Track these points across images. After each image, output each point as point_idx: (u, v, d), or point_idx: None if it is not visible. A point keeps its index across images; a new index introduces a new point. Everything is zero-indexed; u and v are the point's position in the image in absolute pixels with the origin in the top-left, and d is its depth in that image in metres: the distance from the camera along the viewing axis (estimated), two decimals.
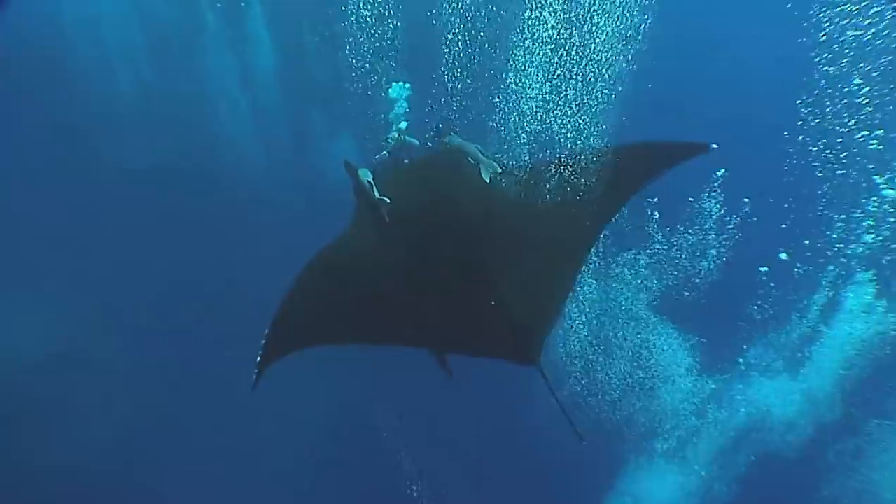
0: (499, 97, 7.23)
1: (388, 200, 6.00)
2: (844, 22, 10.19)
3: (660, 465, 11.17)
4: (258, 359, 5.43)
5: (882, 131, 10.53)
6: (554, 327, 5.90)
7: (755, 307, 12.11)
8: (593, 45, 7.04)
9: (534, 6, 7.05)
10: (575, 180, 5.98)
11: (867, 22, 9.91)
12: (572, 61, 7.12)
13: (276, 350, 5.43)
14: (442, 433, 12.00)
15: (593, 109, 7.04)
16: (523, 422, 10.47)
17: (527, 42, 7.10)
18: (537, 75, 7.15)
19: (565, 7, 7.08)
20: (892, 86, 10.13)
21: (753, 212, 11.29)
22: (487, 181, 6.08)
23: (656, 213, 10.86)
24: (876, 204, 10.88)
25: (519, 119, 7.07)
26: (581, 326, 10.36)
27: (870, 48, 10.22)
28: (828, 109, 11.21)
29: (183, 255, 12.93)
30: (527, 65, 7.14)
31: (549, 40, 7.13)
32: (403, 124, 7.14)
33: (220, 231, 13.33)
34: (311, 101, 14.62)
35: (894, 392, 11.60)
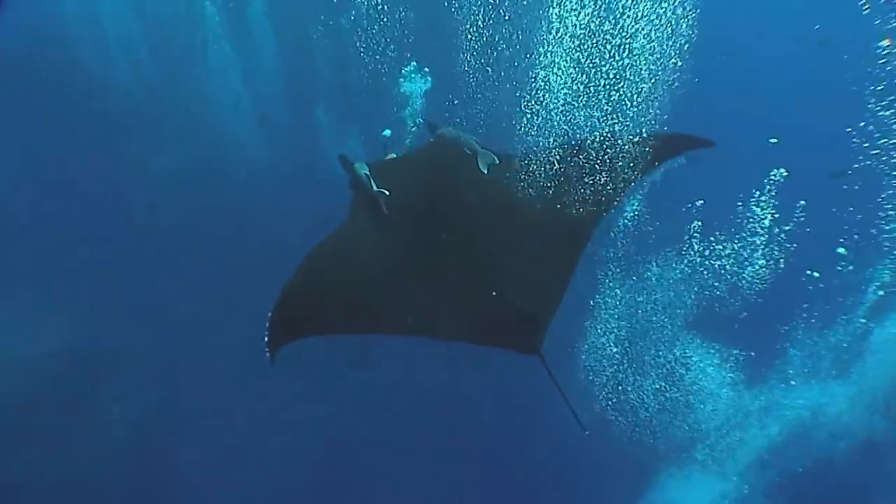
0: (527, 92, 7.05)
1: (387, 192, 6.03)
2: None
3: (696, 476, 10.39)
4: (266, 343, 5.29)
5: None
6: (554, 316, 5.73)
7: (801, 309, 11.25)
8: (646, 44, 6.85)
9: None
10: (575, 169, 6.03)
11: None
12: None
13: (278, 340, 5.29)
14: (464, 443, 11.58)
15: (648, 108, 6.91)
16: (550, 432, 9.68)
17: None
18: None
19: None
20: None
21: (800, 213, 10.34)
22: (485, 172, 6.11)
23: (696, 222, 9.91)
24: None
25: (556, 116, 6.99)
26: (610, 338, 9.60)
27: None
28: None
29: (192, 256, 12.89)
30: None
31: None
32: (387, 132, 6.96)
33: (228, 231, 13.16)
34: (316, 98, 14.37)
35: None
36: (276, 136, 14.49)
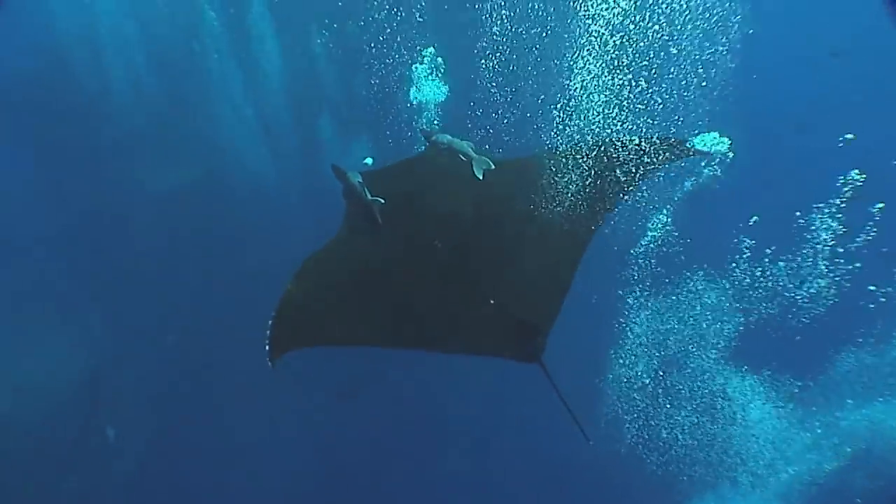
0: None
1: (381, 201, 5.95)
2: None
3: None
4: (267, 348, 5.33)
5: None
6: (554, 324, 5.67)
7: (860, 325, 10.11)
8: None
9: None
10: (572, 173, 5.99)
11: None
12: None
13: (275, 351, 5.33)
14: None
15: None
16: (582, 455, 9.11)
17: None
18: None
19: None
20: None
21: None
22: (480, 178, 6.02)
23: (746, 239, 8.92)
24: None
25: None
26: (641, 364, 8.67)
27: None
28: None
29: (197, 274, 12.67)
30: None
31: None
32: (369, 160, 7.02)
33: (233, 248, 12.84)
34: (320, 108, 13.85)
35: None
36: (280, 148, 14.04)
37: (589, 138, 6.77)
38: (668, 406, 8.87)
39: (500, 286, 5.66)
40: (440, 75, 10.47)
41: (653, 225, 8.49)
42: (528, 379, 5.58)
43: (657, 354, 8.78)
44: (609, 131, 6.88)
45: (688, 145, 6.46)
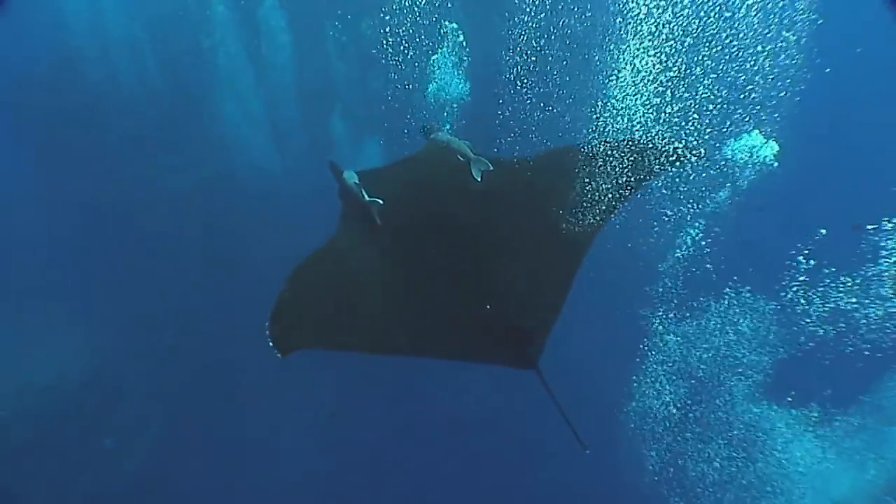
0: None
1: (380, 202, 5.82)
2: None
3: None
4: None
5: None
6: (551, 330, 5.46)
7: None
8: None
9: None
10: (572, 176, 5.93)
11: None
12: None
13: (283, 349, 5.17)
14: None
15: None
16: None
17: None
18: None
19: None
20: None
21: None
22: (478, 179, 5.95)
23: (804, 258, 7.96)
24: None
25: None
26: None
27: None
28: None
29: (207, 273, 12.55)
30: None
31: None
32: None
33: (244, 248, 12.63)
34: (331, 105, 13.41)
35: None
36: (290, 147, 13.74)
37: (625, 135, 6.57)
38: (697, 439, 7.98)
39: (496, 290, 5.49)
40: (462, 69, 10.18)
41: (681, 239, 7.64)
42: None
43: (686, 381, 7.89)
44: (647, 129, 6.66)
45: (684, 148, 6.15)
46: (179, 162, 13.76)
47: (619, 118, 6.76)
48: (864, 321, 7.53)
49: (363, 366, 10.16)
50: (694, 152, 6.06)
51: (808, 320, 7.68)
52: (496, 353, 5.49)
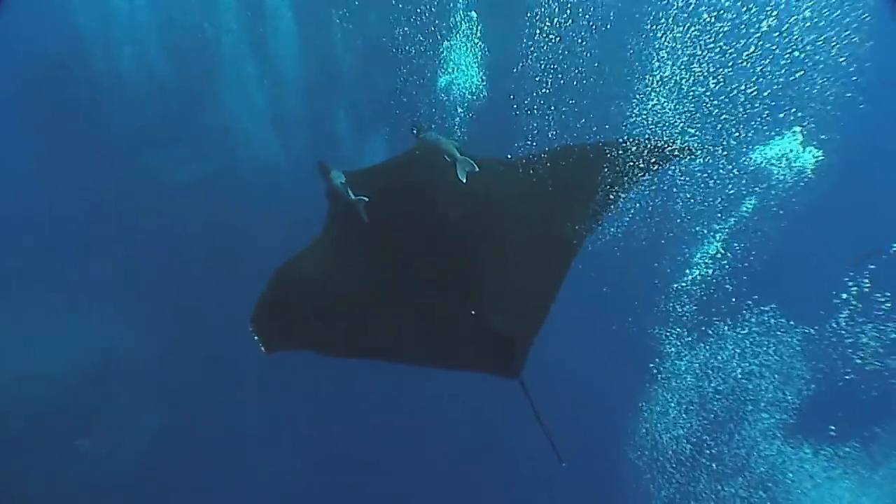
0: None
1: (366, 199, 5.83)
2: None
3: None
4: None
5: None
6: (535, 338, 5.40)
7: None
8: None
9: None
10: (560, 178, 5.89)
11: None
12: None
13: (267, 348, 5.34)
14: None
15: None
16: None
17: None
18: None
19: None
20: None
21: None
22: (463, 180, 5.85)
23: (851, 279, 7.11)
24: None
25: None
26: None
27: None
28: None
29: (210, 267, 12.37)
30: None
31: None
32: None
33: (246, 241, 12.28)
34: (338, 98, 13.12)
35: None
36: (294, 140, 13.40)
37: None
38: (713, 478, 7.15)
39: (481, 295, 5.42)
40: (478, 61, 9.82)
41: (700, 257, 6.85)
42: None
43: (701, 414, 7.06)
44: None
45: (672, 147, 6.08)
46: (183, 155, 13.54)
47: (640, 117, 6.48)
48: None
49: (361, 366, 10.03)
50: (684, 151, 5.98)
51: (851, 350, 6.81)
52: (479, 361, 5.46)
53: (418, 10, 10.43)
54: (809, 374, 7.01)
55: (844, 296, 7.18)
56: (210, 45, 13.51)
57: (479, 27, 9.97)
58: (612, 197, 5.76)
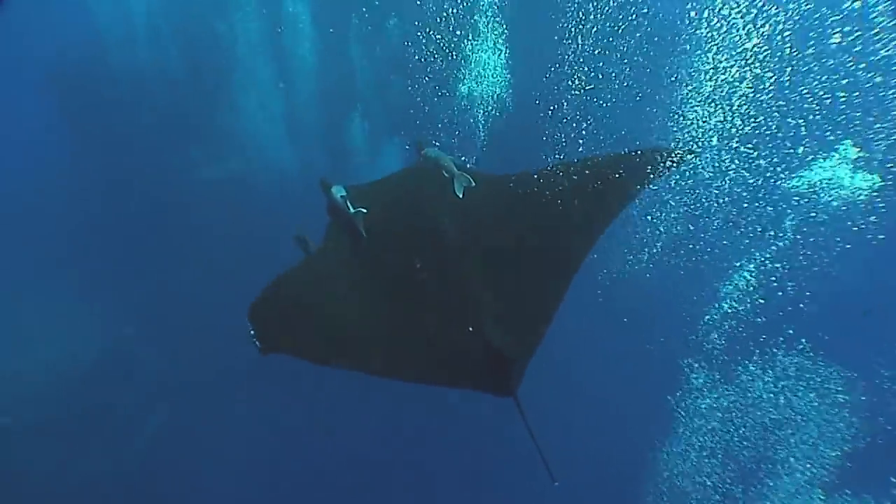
0: None
1: (364, 211, 5.96)
2: None
3: None
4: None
5: None
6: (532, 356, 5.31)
7: None
8: None
9: None
10: (559, 193, 5.85)
11: None
12: None
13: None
14: None
15: None
16: None
17: None
18: None
19: None
20: None
21: None
22: (460, 196, 6.00)
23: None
24: None
25: None
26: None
27: None
28: None
29: (223, 268, 12.20)
30: None
31: None
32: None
33: (257, 245, 11.95)
34: (353, 104, 12.94)
35: None
36: (309, 148, 13.29)
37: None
38: None
39: (478, 311, 5.40)
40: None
41: (729, 289, 6.28)
42: None
43: (727, 462, 6.42)
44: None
45: (663, 155, 5.95)
46: (197, 157, 13.60)
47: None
48: None
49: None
50: (673, 158, 5.86)
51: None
52: (474, 379, 5.36)
53: (437, 20, 10.27)
54: (858, 425, 6.31)
55: None
56: (229, 49, 13.47)
57: (502, 35, 9.74)
58: (609, 212, 5.69)
